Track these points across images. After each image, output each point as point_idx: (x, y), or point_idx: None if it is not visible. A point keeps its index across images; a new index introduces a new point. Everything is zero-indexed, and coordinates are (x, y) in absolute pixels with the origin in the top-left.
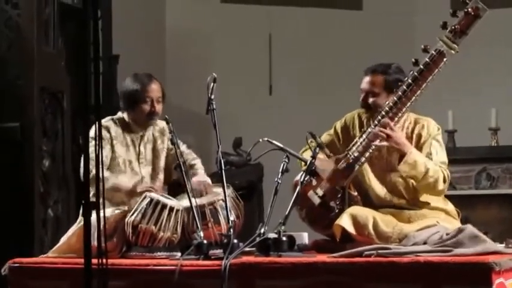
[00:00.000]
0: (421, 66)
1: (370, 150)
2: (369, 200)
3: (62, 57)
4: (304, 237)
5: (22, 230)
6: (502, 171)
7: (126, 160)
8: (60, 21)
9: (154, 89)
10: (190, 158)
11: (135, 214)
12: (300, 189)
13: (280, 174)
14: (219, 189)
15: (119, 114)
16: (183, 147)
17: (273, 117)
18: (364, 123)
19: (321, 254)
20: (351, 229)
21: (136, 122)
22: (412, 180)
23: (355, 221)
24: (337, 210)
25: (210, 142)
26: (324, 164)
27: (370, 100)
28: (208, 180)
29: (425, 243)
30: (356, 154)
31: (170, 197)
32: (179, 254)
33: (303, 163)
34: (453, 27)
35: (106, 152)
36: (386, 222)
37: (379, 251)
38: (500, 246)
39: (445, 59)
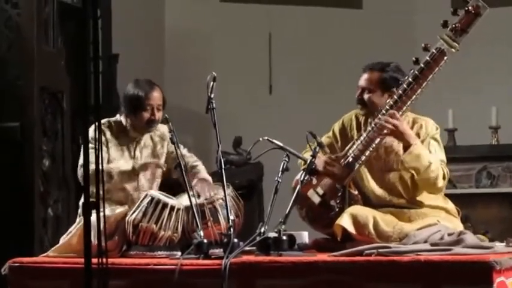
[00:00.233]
0: (422, 65)
1: (370, 149)
2: (369, 199)
3: (61, 56)
4: (305, 236)
5: (22, 229)
6: (502, 170)
7: (119, 163)
8: (60, 20)
9: (156, 96)
10: (191, 161)
11: (135, 213)
12: (300, 189)
13: (280, 173)
14: (219, 188)
15: (117, 117)
16: (184, 151)
17: (273, 117)
18: (361, 124)
19: (322, 253)
20: (351, 229)
21: (134, 127)
22: (413, 172)
23: (355, 220)
24: (337, 209)
25: (209, 141)
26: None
27: (365, 96)
28: (210, 180)
29: (425, 242)
30: (356, 153)
31: (171, 196)
32: (179, 253)
33: (303, 162)
34: (454, 26)
35: (103, 153)
36: (387, 221)
37: (380, 250)
38: (500, 246)
39: (445, 58)
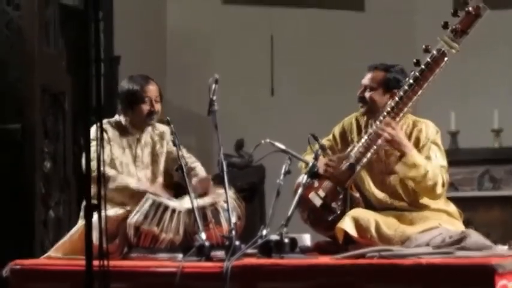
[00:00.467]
0: (423, 66)
1: (372, 151)
2: (370, 202)
3: (63, 58)
4: (306, 239)
5: (23, 231)
6: (505, 173)
7: (122, 163)
8: (61, 22)
9: (152, 89)
10: (190, 162)
11: (137, 215)
12: (302, 191)
13: (282, 175)
14: (221, 191)
15: (116, 117)
16: (183, 151)
17: (274, 119)
18: (362, 126)
19: (323, 255)
20: (353, 232)
21: (134, 125)
22: (410, 182)
23: (357, 224)
24: (339, 212)
25: (211, 144)
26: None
27: (367, 94)
28: (210, 180)
29: (427, 245)
30: (357, 155)
31: (172, 198)
32: (181, 255)
33: (304, 166)
34: (454, 27)
35: (106, 151)
36: (389, 224)
37: (382, 253)
38: (503, 249)
39: (446, 59)
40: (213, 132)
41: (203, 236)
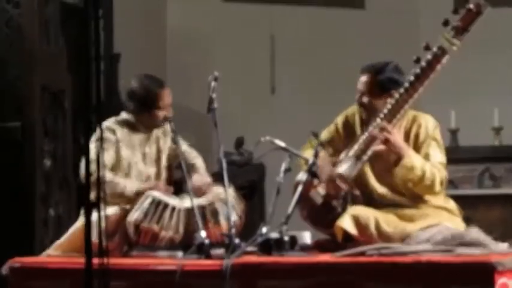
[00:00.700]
0: (423, 63)
1: (372, 148)
2: (371, 200)
3: (63, 56)
4: (307, 237)
5: (23, 230)
6: (505, 171)
7: (131, 162)
8: (61, 20)
9: (168, 94)
10: (190, 157)
11: (137, 213)
12: (302, 189)
13: (282, 173)
14: (220, 189)
15: (123, 115)
16: (184, 146)
17: (275, 117)
18: (363, 121)
19: (323, 253)
20: (352, 230)
21: (143, 124)
22: (409, 183)
23: (357, 222)
24: (339, 210)
25: (211, 141)
26: (323, 161)
27: (365, 100)
28: (209, 179)
29: (427, 242)
30: (358, 152)
31: (172, 196)
32: (181, 253)
33: (304, 162)
34: (455, 24)
35: (110, 155)
36: (389, 222)
37: (382, 251)
38: (504, 247)
39: (446, 56)
40: (213, 130)
41: (203, 234)
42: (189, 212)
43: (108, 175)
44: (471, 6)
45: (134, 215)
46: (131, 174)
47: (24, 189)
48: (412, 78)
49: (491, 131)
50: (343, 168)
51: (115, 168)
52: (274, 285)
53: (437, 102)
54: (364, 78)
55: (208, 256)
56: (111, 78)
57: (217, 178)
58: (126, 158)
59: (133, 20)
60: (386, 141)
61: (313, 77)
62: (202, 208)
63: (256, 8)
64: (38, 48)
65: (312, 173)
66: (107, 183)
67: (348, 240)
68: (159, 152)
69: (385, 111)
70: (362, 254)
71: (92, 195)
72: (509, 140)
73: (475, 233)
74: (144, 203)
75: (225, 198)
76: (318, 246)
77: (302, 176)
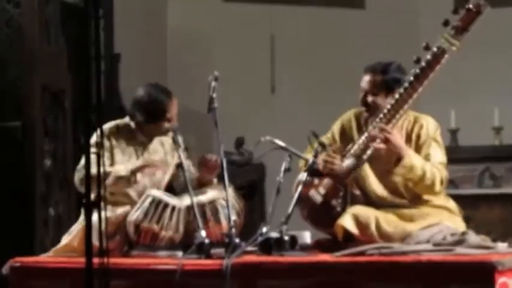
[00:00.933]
0: (423, 63)
1: (371, 149)
2: (371, 199)
3: (63, 56)
4: (307, 237)
5: (23, 230)
6: (505, 171)
7: None
8: (62, 20)
9: (175, 105)
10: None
11: (137, 213)
12: (302, 189)
13: (282, 173)
14: (220, 188)
15: (126, 120)
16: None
17: (275, 117)
18: (361, 123)
19: (324, 253)
20: (353, 229)
21: (145, 132)
22: (409, 183)
23: (357, 221)
24: (339, 209)
25: (211, 141)
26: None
27: (369, 99)
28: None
29: (428, 242)
30: (358, 152)
31: (172, 196)
32: (181, 253)
33: (304, 164)
34: (454, 24)
35: (104, 159)
36: (389, 221)
37: (382, 250)
38: (503, 246)
39: (446, 56)
40: (213, 129)
41: (203, 233)
42: (189, 211)
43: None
44: (471, 6)
45: (134, 215)
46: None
47: (24, 189)
48: (411, 78)
49: (491, 131)
50: (345, 163)
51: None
52: (274, 285)
53: (437, 102)
54: (368, 78)
55: (209, 256)
56: (112, 78)
57: (217, 178)
58: (120, 163)
59: (133, 20)
60: (386, 141)
61: (313, 77)
62: (202, 206)
63: (257, 8)
64: (38, 48)
65: (312, 173)
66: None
67: (349, 239)
68: (164, 165)
69: (385, 111)
70: (362, 253)
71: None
72: (510, 139)
73: (474, 237)
74: (144, 203)
75: (225, 198)
76: (318, 246)
77: (302, 176)
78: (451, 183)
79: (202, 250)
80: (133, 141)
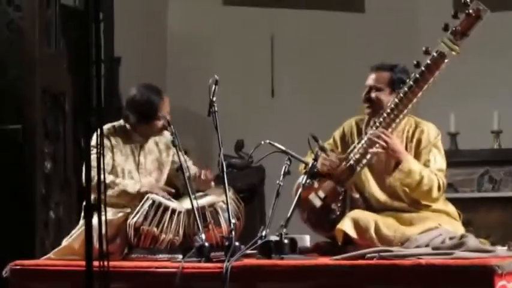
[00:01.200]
0: (422, 68)
1: (371, 153)
2: (370, 203)
3: (63, 59)
4: (306, 240)
5: (23, 232)
6: (504, 174)
7: (125, 169)
8: (62, 23)
9: (167, 104)
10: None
11: (137, 216)
12: (302, 192)
13: (282, 176)
14: (220, 191)
15: (121, 122)
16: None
17: (275, 120)
18: (362, 130)
19: (323, 256)
20: (352, 233)
21: (139, 133)
22: (406, 188)
23: (356, 225)
24: (338, 213)
25: (211, 144)
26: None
27: (373, 95)
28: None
29: (427, 246)
30: (357, 156)
31: (172, 199)
32: (181, 256)
33: (304, 167)
34: (454, 29)
35: (107, 159)
36: (388, 225)
37: (381, 254)
38: (502, 250)
39: (446, 61)
40: (213, 132)
41: (203, 236)
42: (189, 214)
43: (109, 177)
44: (471, 11)
45: (134, 218)
46: (126, 179)
47: (24, 191)
48: (411, 83)
49: (490, 134)
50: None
51: (111, 173)
52: None
53: (436, 106)
54: (374, 75)
55: (208, 259)
56: (112, 81)
57: (217, 181)
58: (120, 164)
59: (134, 23)
60: (385, 146)
61: (313, 79)
62: (202, 209)
63: (256, 11)
64: (38, 50)
65: (312, 176)
66: (109, 185)
67: (348, 243)
68: (160, 164)
69: (385, 115)
70: (362, 257)
71: (93, 199)
72: (509, 143)
73: (474, 241)
74: (144, 206)
75: (225, 201)
76: (318, 249)
77: (302, 179)
78: (450, 186)
79: (202, 253)
80: (129, 142)
